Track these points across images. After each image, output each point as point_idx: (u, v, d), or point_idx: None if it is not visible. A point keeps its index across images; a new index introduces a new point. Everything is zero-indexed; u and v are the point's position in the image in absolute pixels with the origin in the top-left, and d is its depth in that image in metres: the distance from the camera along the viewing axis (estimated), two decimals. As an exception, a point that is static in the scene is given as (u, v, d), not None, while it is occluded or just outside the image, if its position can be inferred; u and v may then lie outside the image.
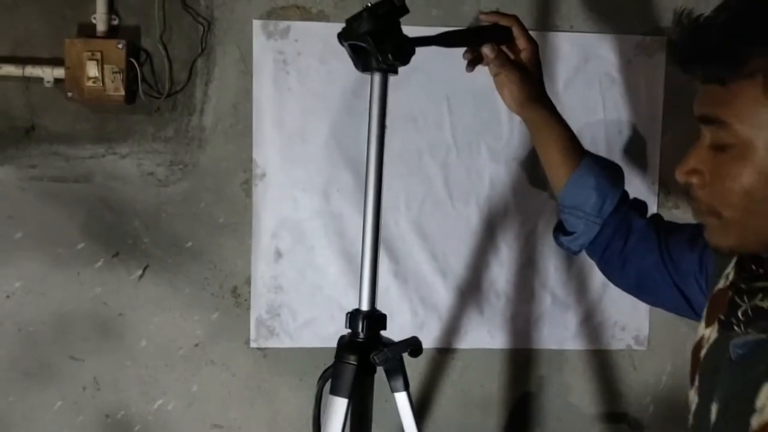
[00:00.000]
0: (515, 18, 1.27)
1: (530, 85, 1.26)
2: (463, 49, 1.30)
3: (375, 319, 1.19)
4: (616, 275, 1.30)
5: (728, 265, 1.02)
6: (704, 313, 1.05)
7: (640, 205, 1.30)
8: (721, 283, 1.02)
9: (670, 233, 1.23)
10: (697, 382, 1.02)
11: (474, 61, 1.28)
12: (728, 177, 0.84)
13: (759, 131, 0.81)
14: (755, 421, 0.83)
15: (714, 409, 0.93)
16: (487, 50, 1.23)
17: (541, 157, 1.32)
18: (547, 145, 1.28)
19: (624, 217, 1.25)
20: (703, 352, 1.00)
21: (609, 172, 1.28)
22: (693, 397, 1.04)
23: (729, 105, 0.83)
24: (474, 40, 1.25)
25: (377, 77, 1.17)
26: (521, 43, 1.26)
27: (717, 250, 0.91)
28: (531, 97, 1.26)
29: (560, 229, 1.33)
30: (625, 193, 1.28)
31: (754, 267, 0.90)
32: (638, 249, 1.23)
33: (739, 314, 0.88)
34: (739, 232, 0.86)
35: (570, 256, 1.78)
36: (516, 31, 1.25)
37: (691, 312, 1.18)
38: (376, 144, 1.19)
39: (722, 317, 0.92)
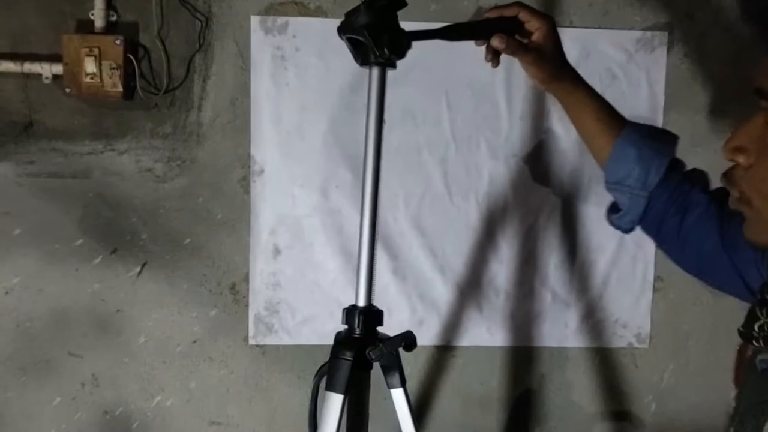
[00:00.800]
0: (518, 4, 1.19)
1: (548, 63, 1.16)
2: (464, 44, 1.27)
3: (371, 314, 1.18)
4: (676, 256, 1.17)
5: None
6: None
7: (700, 176, 1.15)
8: None
9: (733, 212, 1.08)
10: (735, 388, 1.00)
11: (494, 53, 1.19)
12: None
13: None
14: None
15: (738, 416, 0.93)
16: (495, 42, 1.15)
17: (579, 133, 1.22)
18: (579, 118, 1.19)
19: (677, 188, 1.12)
20: (748, 355, 1.00)
21: (653, 141, 1.14)
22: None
23: None
24: (478, 33, 1.23)
25: (375, 71, 1.16)
26: (532, 25, 1.16)
27: (752, 246, 0.84)
28: (552, 74, 1.17)
29: (611, 208, 1.22)
30: (678, 162, 1.15)
31: None
32: (697, 228, 1.10)
33: (756, 328, 0.84)
34: None
35: (570, 253, 1.77)
36: (524, 16, 1.16)
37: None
38: (374, 139, 1.18)
39: (741, 328, 0.87)
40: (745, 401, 0.90)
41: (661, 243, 1.19)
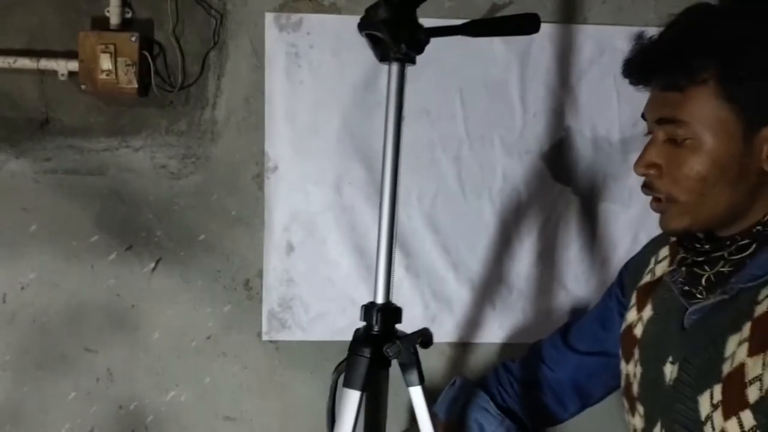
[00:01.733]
0: None
1: None
2: (479, 41, 1.27)
3: (390, 311, 1.18)
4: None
5: (643, 272, 1.28)
6: (632, 302, 1.28)
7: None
8: (647, 279, 1.26)
9: (573, 334, 1.54)
10: (637, 355, 1.20)
11: None
12: (685, 166, 1.02)
13: (710, 126, 1.00)
14: (726, 368, 0.97)
15: (668, 371, 1.09)
16: None
17: None
18: None
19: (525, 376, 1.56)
20: (640, 329, 1.20)
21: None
22: (632, 368, 1.22)
23: (686, 107, 1.01)
24: (497, 30, 1.23)
25: (395, 67, 1.16)
26: None
27: (671, 233, 1.10)
28: None
29: None
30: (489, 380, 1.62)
31: (698, 245, 1.07)
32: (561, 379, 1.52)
33: (703, 282, 1.05)
34: (694, 214, 1.03)
35: (583, 251, 1.77)
36: None
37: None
38: (392, 135, 1.17)
39: (685, 288, 1.09)
40: (678, 356, 1.09)
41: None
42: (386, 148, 1.18)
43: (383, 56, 1.17)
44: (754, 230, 1.03)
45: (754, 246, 1.02)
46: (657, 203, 1.07)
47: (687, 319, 1.08)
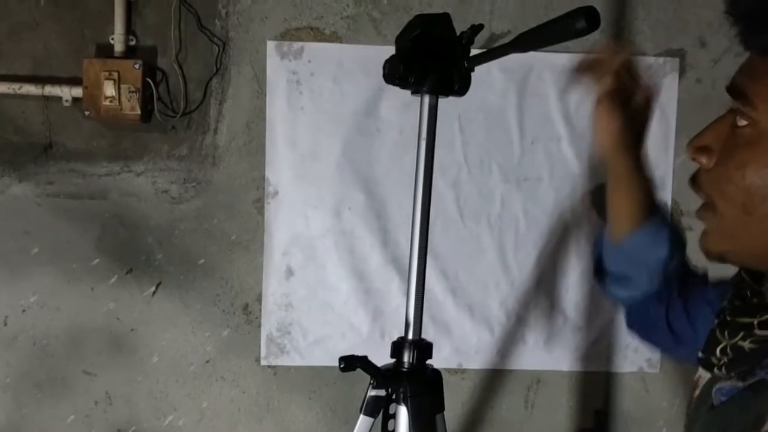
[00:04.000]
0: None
1: (629, 135, 1.02)
2: (476, 69, 1.21)
3: (422, 348, 1.15)
4: (667, 345, 1.10)
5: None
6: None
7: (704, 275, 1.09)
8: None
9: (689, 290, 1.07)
10: (684, 426, 0.90)
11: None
12: (733, 162, 0.72)
13: None
14: None
15: None
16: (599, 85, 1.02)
17: (609, 199, 1.10)
18: (620, 195, 1.07)
19: (690, 278, 1.07)
20: (696, 392, 0.86)
21: (680, 229, 1.07)
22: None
23: (760, 79, 0.71)
24: (549, 38, 1.07)
25: (427, 99, 1.14)
26: (642, 86, 1.02)
27: (708, 257, 0.77)
28: (623, 148, 1.03)
29: (606, 274, 1.10)
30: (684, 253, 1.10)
31: (749, 294, 0.78)
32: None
33: (718, 352, 0.76)
34: (731, 235, 0.74)
35: (582, 277, 1.78)
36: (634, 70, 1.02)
37: None
38: (423, 172, 1.14)
39: (701, 354, 0.78)
40: None
41: (641, 324, 1.11)
42: (416, 192, 1.14)
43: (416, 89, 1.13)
44: None
45: None
46: (700, 209, 0.77)
47: (715, 396, 0.79)
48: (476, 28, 1.12)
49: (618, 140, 1.01)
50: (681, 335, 1.03)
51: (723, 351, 0.75)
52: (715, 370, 0.76)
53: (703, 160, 0.75)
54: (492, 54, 1.10)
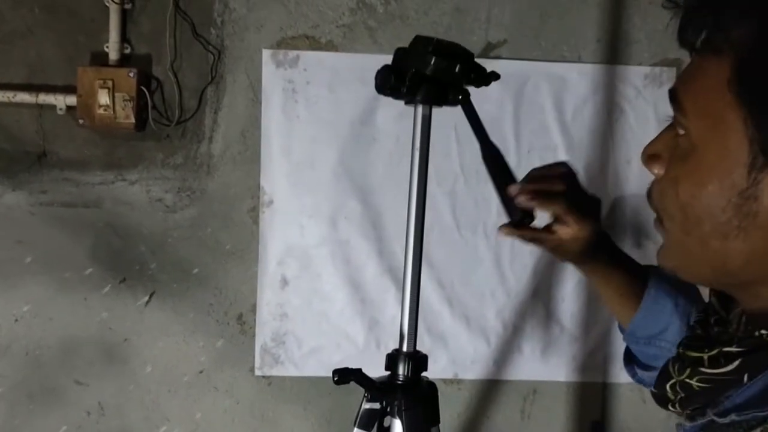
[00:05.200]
0: (561, 195, 0.93)
1: (569, 257, 0.98)
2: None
3: (417, 360, 1.14)
4: None
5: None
6: None
7: None
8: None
9: None
10: None
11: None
12: (668, 176, 0.65)
13: (708, 126, 0.60)
14: None
15: None
16: (502, 233, 0.98)
17: (600, 294, 1.05)
18: (604, 290, 1.02)
19: None
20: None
21: (682, 287, 0.98)
22: None
23: (690, 82, 0.63)
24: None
25: (420, 109, 1.13)
26: (567, 229, 0.94)
27: (664, 270, 0.70)
28: (578, 259, 0.98)
29: (633, 362, 1.03)
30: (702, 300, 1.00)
31: (712, 321, 0.71)
32: None
33: (668, 388, 0.68)
34: (677, 252, 0.66)
35: (579, 286, 1.77)
36: (563, 214, 0.94)
37: None
38: (417, 183, 1.13)
39: (654, 389, 0.71)
40: None
41: None
42: (411, 203, 1.13)
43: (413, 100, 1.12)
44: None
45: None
46: (654, 222, 0.70)
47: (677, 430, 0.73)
48: (490, 76, 1.08)
49: (571, 258, 0.97)
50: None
51: (673, 387, 0.68)
52: (669, 407, 0.69)
53: (654, 169, 0.67)
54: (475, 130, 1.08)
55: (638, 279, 1.00)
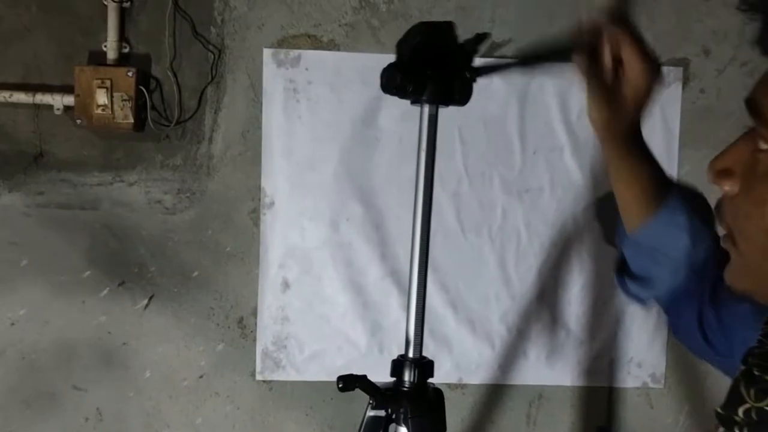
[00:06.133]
0: (624, 32, 0.89)
1: (624, 116, 0.92)
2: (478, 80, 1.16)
3: (424, 366, 1.11)
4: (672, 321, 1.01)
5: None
6: None
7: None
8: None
9: None
10: None
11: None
12: (752, 196, 0.60)
13: None
14: None
15: None
16: (577, 60, 0.91)
17: (614, 189, 1.00)
18: (626, 184, 0.97)
19: (718, 264, 0.92)
20: None
21: (702, 213, 0.96)
22: None
23: None
24: (555, 56, 0.99)
25: (426, 109, 1.10)
26: (633, 66, 0.88)
27: (732, 291, 0.66)
28: (620, 130, 0.94)
29: (626, 272, 1.01)
30: (717, 236, 0.95)
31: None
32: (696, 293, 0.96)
33: (741, 413, 0.64)
34: (754, 275, 0.62)
35: (585, 290, 1.74)
36: (626, 53, 0.89)
37: None
38: (423, 184, 1.09)
39: (720, 410, 0.68)
40: None
41: (673, 318, 1.00)
42: (416, 208, 1.10)
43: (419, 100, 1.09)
44: None
45: None
46: (724, 239, 0.66)
47: None
48: (480, 37, 1.07)
49: (609, 125, 0.92)
50: (717, 346, 0.92)
51: (747, 413, 0.64)
52: (736, 429, 0.66)
53: (726, 186, 0.62)
54: (497, 68, 1.05)
55: (661, 186, 0.96)
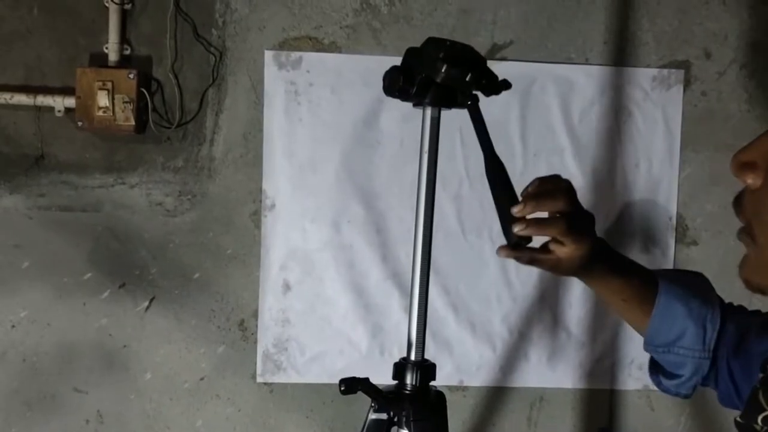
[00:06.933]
0: (559, 225, 0.92)
1: (568, 267, 0.95)
2: None
3: (426, 369, 1.10)
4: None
5: None
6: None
7: (741, 312, 1.00)
8: None
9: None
10: None
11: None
12: None
13: None
14: None
15: None
16: (500, 254, 0.98)
17: (606, 305, 1.06)
18: (608, 297, 1.01)
19: (733, 334, 0.96)
20: None
21: (695, 288, 0.98)
22: None
23: None
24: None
25: (429, 111, 1.09)
26: (564, 248, 0.93)
27: (746, 286, 0.66)
28: (574, 272, 0.97)
29: (658, 371, 1.01)
30: (722, 304, 0.98)
31: None
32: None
33: (760, 421, 0.66)
34: None
35: (586, 292, 1.74)
36: (560, 234, 0.93)
37: None
38: (426, 187, 1.08)
39: (739, 419, 0.69)
40: None
41: (721, 394, 0.99)
42: (418, 211, 1.09)
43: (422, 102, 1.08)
44: None
45: None
46: (740, 232, 0.67)
47: None
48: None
49: (583, 262, 0.94)
50: (740, 385, 0.94)
51: (766, 420, 0.65)
52: None
53: (749, 179, 0.62)
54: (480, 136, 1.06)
55: (646, 284, 0.98)
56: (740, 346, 0.93)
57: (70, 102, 1.57)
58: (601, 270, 0.97)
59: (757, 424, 0.65)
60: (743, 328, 0.94)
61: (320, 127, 1.67)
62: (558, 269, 0.95)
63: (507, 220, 0.96)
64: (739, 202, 0.65)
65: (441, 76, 1.00)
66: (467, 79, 1.01)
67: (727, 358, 0.93)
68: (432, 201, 1.11)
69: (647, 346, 0.99)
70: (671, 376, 0.99)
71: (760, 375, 0.68)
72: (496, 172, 1.03)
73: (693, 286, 0.97)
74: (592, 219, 0.97)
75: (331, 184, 1.68)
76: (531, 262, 0.96)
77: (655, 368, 1.01)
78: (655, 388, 1.81)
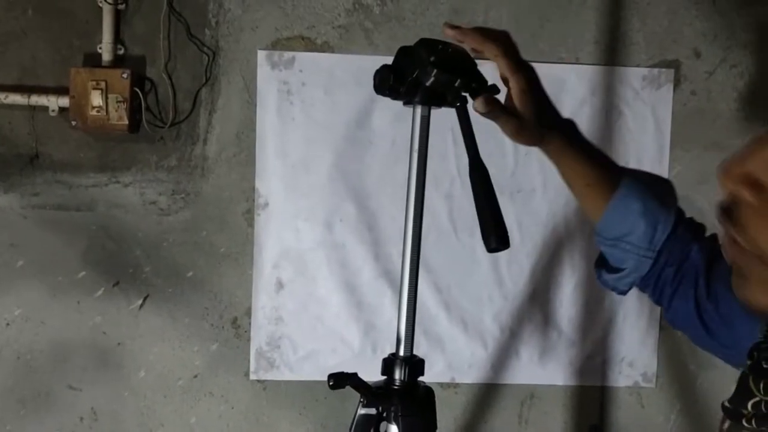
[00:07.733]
0: (498, 45, 0.95)
1: (527, 129, 0.99)
2: None
3: (415, 364, 1.12)
4: (666, 311, 1.01)
5: None
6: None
7: (697, 227, 0.98)
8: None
9: (720, 264, 0.92)
10: None
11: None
12: None
13: None
14: None
15: None
16: (477, 105, 0.99)
17: (569, 188, 1.04)
18: (569, 181, 1.02)
19: (680, 242, 0.95)
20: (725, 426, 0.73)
21: (656, 191, 0.97)
22: None
23: None
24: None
25: (419, 110, 1.10)
26: (510, 83, 0.97)
27: (747, 308, 0.61)
28: (534, 140, 1.00)
29: (603, 265, 1.02)
30: (680, 212, 0.97)
31: None
32: (685, 282, 0.95)
33: (750, 407, 0.64)
34: None
35: (577, 290, 1.75)
36: (501, 66, 0.96)
37: None
38: (415, 186, 1.10)
39: (727, 404, 0.68)
40: None
41: (655, 296, 1.01)
42: (408, 207, 1.10)
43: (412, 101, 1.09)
44: None
45: None
46: (733, 249, 0.59)
47: None
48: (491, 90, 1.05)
49: (524, 138, 1.00)
50: (720, 338, 0.91)
51: (756, 406, 0.63)
52: (744, 422, 0.65)
53: (746, 195, 0.55)
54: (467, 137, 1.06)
55: (611, 175, 0.99)
56: (714, 289, 0.92)
57: (64, 101, 1.58)
58: (561, 144, 0.99)
59: (746, 409, 0.64)
60: (716, 268, 0.92)
61: (313, 126, 1.68)
62: (519, 135, 0.99)
63: (486, 224, 0.99)
64: (729, 214, 0.58)
65: (430, 81, 1.01)
66: (456, 84, 1.02)
67: (696, 298, 0.93)
68: (422, 199, 1.12)
69: (597, 237, 1.00)
70: (613, 270, 1.00)
71: (749, 361, 0.68)
72: (478, 175, 1.04)
73: (655, 187, 0.98)
74: (548, 100, 1.00)
75: (323, 183, 1.69)
76: (492, 113, 0.98)
77: (601, 262, 1.03)
78: (645, 385, 1.83)
